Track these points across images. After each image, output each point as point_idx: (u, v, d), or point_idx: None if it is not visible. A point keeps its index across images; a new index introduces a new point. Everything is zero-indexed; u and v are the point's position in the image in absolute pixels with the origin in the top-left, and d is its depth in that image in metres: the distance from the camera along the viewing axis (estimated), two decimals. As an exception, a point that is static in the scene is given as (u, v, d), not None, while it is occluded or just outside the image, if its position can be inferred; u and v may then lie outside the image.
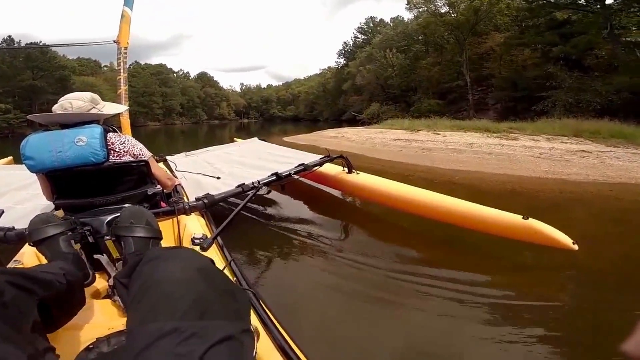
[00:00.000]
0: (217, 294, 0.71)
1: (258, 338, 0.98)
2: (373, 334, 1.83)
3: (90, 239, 1.43)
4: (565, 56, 18.45)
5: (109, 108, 1.84)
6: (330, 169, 3.59)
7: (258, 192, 2.53)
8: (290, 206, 4.01)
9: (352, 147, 10.48)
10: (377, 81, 29.19)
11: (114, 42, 4.32)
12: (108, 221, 1.48)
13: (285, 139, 14.38)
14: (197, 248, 1.59)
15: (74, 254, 1.20)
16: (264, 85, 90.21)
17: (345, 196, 3.93)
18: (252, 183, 2.57)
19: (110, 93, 41.53)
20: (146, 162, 1.81)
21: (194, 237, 1.67)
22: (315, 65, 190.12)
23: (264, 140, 5.26)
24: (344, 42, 45.42)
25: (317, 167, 3.32)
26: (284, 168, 3.03)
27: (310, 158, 3.48)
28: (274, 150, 4.45)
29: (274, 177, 2.80)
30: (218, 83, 66.76)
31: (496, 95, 23.46)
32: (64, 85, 37.84)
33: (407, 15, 35.24)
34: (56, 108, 1.66)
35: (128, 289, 0.83)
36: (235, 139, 6.48)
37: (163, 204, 2.05)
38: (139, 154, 1.79)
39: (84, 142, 1.54)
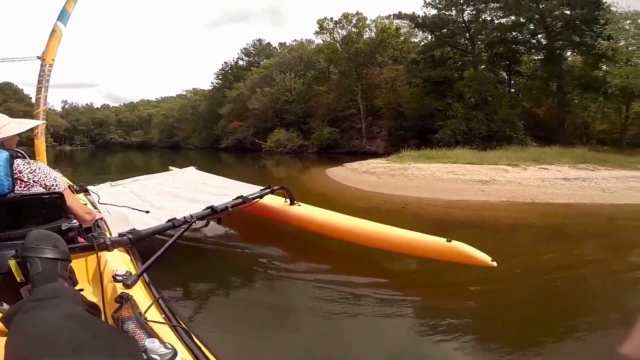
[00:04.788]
0: (93, 336, 0.76)
1: None
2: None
3: None
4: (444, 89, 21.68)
5: (11, 128, 1.60)
6: (271, 200, 3.54)
7: (192, 227, 2.46)
8: (227, 237, 3.92)
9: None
10: (273, 105, 27.17)
11: (38, 57, 4.05)
12: (17, 248, 1.28)
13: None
14: (119, 285, 1.45)
15: None
16: (97, 105, 73.11)
17: (286, 227, 3.65)
18: (184, 217, 2.41)
19: None
20: (60, 195, 1.67)
21: (115, 274, 1.51)
22: (169, 87, 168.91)
23: (200, 170, 4.95)
24: (225, 62, 41.11)
25: (257, 199, 3.22)
26: (221, 200, 2.92)
27: (250, 189, 3.39)
28: (211, 181, 4.24)
29: (209, 211, 2.67)
30: (30, 98, 49.56)
31: (386, 125, 25.34)
32: None
33: (288, 41, 35.29)
34: None
35: (8, 334, 0.85)
36: (170, 167, 5.80)
37: (81, 240, 1.88)
38: (53, 185, 1.66)
39: None
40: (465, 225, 4.96)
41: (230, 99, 33.51)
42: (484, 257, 2.41)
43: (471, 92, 20.75)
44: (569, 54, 19.31)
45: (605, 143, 18.00)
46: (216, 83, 40.92)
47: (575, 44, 17.44)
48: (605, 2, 14.25)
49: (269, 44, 37.90)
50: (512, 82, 22.46)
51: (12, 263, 1.19)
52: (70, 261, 1.26)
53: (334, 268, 3.02)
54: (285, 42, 35.91)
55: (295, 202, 3.49)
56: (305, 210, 3.40)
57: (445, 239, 2.55)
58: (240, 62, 38.90)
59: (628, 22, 12.52)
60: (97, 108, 71.19)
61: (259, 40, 38.60)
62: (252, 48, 38.63)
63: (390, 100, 24.29)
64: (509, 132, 18.71)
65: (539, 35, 19.44)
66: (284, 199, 3.56)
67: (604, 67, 16.96)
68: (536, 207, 5.76)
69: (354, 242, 3.02)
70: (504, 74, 22.34)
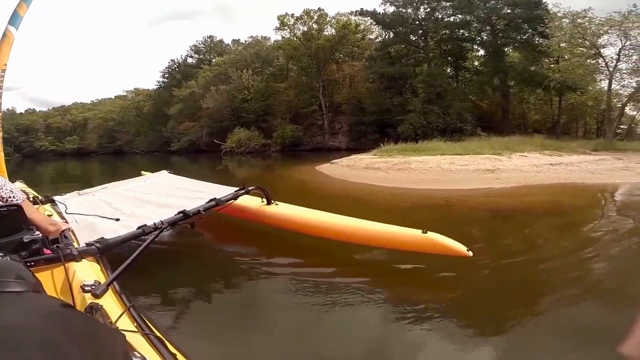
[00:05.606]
0: (73, 338, 0.64)
1: None
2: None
3: None
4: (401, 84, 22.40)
5: None
6: (247, 201, 3.48)
7: (165, 231, 2.44)
8: (202, 241, 3.84)
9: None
10: (230, 104, 25.96)
11: None
12: None
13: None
14: (88, 295, 1.42)
15: None
16: (20, 110, 64.35)
17: (264, 227, 3.59)
18: (154, 224, 2.38)
19: None
20: (18, 207, 1.62)
21: (83, 285, 1.49)
22: (105, 88, 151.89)
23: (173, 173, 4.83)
24: (172, 60, 38.19)
25: (232, 201, 3.17)
26: (193, 204, 2.86)
27: (224, 191, 3.32)
28: (184, 184, 4.15)
29: (181, 216, 2.62)
30: None
31: (347, 120, 25.55)
32: None
33: (243, 38, 33.84)
34: None
35: None
36: (142, 172, 5.60)
37: (47, 251, 1.83)
38: (10, 197, 1.63)
39: None
40: (523, 212, 5.00)
41: (179, 98, 31.44)
42: (460, 247, 2.44)
43: (424, 87, 21.69)
44: (507, 49, 20.98)
45: (540, 131, 19.95)
46: (162, 82, 38.21)
47: (517, 42, 18.97)
48: (545, 2, 15.67)
49: (221, 41, 36.10)
50: (459, 77, 23.88)
51: None
52: (40, 292, 1.14)
53: (311, 264, 3.02)
54: (239, 39, 34.59)
55: (273, 201, 3.44)
56: (283, 209, 3.35)
57: (421, 231, 2.56)
58: (190, 60, 36.73)
59: (566, 20, 13.81)
60: (21, 113, 62.80)
61: (210, 37, 36.61)
62: (202, 45, 36.54)
63: (350, 96, 24.54)
64: (459, 125, 19.90)
65: (483, 33, 20.90)
66: (260, 199, 3.50)
67: (542, 63, 18.70)
68: (557, 189, 6.19)
69: (333, 239, 3.02)
70: (449, 69, 23.64)
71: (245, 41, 32.64)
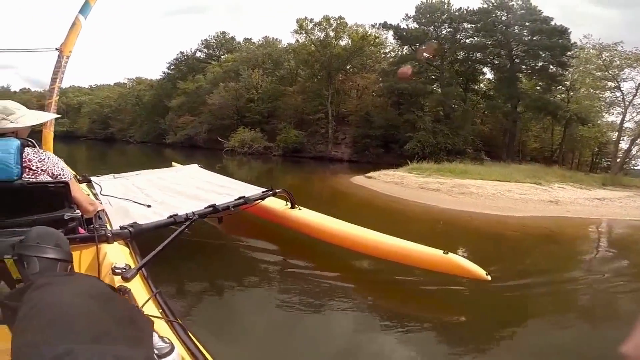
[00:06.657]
0: (115, 320, 0.71)
1: None
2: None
3: None
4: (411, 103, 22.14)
5: (28, 118, 1.64)
6: (273, 203, 3.57)
7: (192, 224, 2.44)
8: (226, 236, 3.91)
9: None
10: (236, 103, 25.28)
11: (56, 49, 4.07)
12: (14, 244, 1.19)
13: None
14: (118, 278, 1.46)
15: None
16: (15, 89, 62.36)
17: (286, 230, 3.67)
18: (186, 214, 2.42)
19: None
20: (66, 184, 1.69)
21: (114, 267, 1.52)
22: (104, 74, 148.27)
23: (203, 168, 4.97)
24: (180, 52, 37.37)
25: (259, 200, 3.27)
26: (222, 200, 2.92)
27: (252, 191, 3.42)
28: (213, 180, 4.26)
29: (211, 209, 2.67)
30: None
31: (351, 131, 25.08)
32: None
33: (252, 36, 33.43)
34: None
35: (17, 313, 0.76)
36: (173, 163, 5.81)
37: (82, 231, 1.89)
38: (60, 174, 1.68)
39: None
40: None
41: (183, 90, 30.65)
42: (479, 271, 2.44)
43: (435, 106, 21.50)
44: (521, 76, 20.98)
45: (537, 160, 19.83)
46: (167, 73, 37.29)
47: (533, 69, 18.96)
48: (570, 31, 15.69)
49: (232, 38, 35.40)
50: (467, 99, 23.76)
51: (9, 262, 1.12)
52: (71, 262, 1.20)
53: (327, 270, 3.10)
54: (251, 38, 33.98)
55: (296, 206, 3.51)
56: (305, 215, 3.42)
57: (442, 251, 2.56)
58: (199, 54, 35.91)
59: (594, 52, 13.75)
60: (15, 92, 60.86)
61: (223, 33, 35.72)
62: (213, 40, 35.78)
63: (358, 108, 24.13)
64: (463, 147, 19.64)
65: (499, 58, 20.89)
66: (285, 202, 3.58)
67: (554, 92, 18.65)
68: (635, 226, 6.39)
69: (352, 249, 3.05)
70: (460, 90, 23.60)
71: (259, 41, 32.17)
